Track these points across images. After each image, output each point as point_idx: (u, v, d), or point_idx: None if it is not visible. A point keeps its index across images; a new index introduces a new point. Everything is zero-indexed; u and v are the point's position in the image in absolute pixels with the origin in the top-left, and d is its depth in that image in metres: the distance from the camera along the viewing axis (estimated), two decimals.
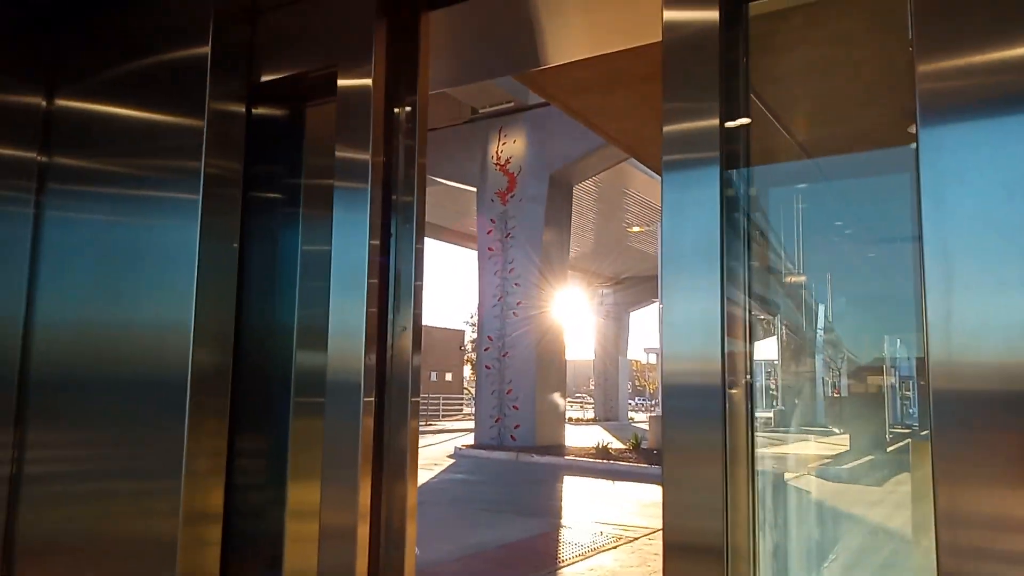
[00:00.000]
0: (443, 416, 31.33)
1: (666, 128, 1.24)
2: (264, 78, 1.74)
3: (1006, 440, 0.90)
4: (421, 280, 1.59)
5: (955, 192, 0.96)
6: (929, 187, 0.97)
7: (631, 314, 36.64)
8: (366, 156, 1.51)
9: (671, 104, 1.25)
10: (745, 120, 1.29)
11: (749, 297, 1.26)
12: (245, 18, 1.74)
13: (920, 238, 0.97)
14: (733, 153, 1.24)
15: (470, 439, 18.92)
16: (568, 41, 2.17)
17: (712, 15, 1.23)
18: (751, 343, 1.26)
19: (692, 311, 1.20)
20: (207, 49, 1.65)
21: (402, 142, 1.62)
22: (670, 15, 1.26)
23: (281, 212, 1.78)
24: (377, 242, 1.51)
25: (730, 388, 1.18)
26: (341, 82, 1.57)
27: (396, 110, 1.62)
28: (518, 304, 17.58)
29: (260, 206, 1.73)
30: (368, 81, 1.54)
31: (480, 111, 18.55)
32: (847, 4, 1.43)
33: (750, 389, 1.25)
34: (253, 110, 1.74)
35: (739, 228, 1.26)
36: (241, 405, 1.63)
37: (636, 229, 24.39)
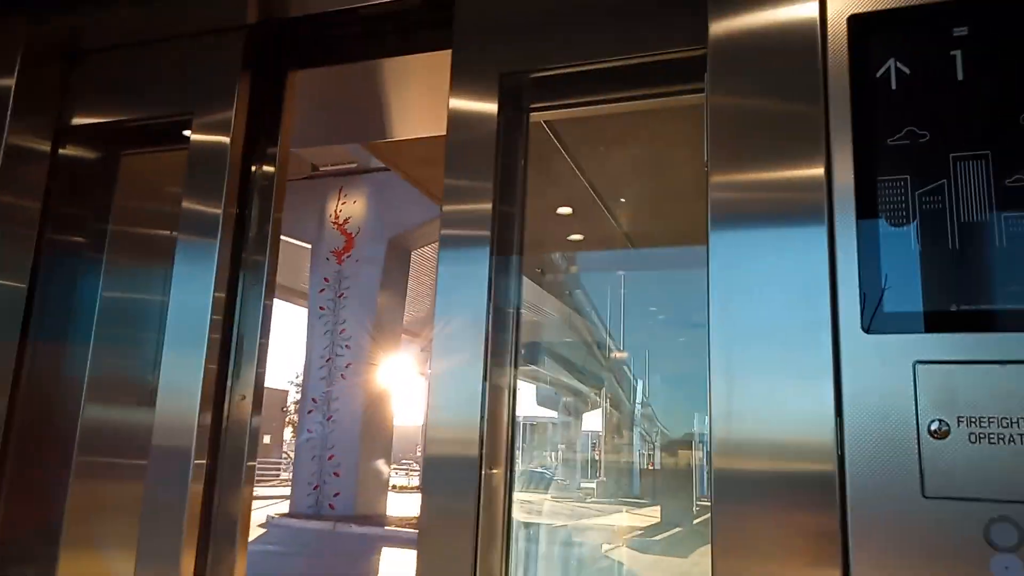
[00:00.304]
0: (258, 482, 29.34)
1: (445, 207, 1.33)
2: (80, 120, 1.66)
3: (777, 515, 1.01)
4: (267, 338, 1.55)
5: (738, 292, 1.09)
6: (716, 285, 1.10)
7: None
8: (217, 209, 1.48)
9: (450, 182, 1.36)
10: (517, 207, 1.42)
11: (516, 375, 1.34)
12: (60, 57, 1.67)
13: (708, 330, 1.09)
14: (505, 238, 1.36)
15: (285, 507, 17.80)
16: (413, 119, 2.26)
17: (491, 112, 1.36)
18: (514, 420, 1.33)
19: (456, 385, 1.25)
20: (11, 83, 1.56)
21: (258, 197, 1.60)
22: (455, 104, 1.37)
23: (85, 257, 1.69)
24: (222, 295, 1.47)
25: (489, 465, 1.24)
26: (196, 132, 1.54)
27: (254, 165, 1.61)
28: (347, 366, 17.07)
29: (60, 249, 1.64)
30: (226, 136, 1.52)
31: (321, 168, 18.26)
32: (625, 120, 1.62)
33: (511, 466, 1.31)
34: (60, 150, 1.65)
35: (510, 308, 1.36)
36: (13, 465, 1.47)
37: None
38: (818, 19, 1.12)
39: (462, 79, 1.38)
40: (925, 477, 0.95)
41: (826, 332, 1.03)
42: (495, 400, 1.26)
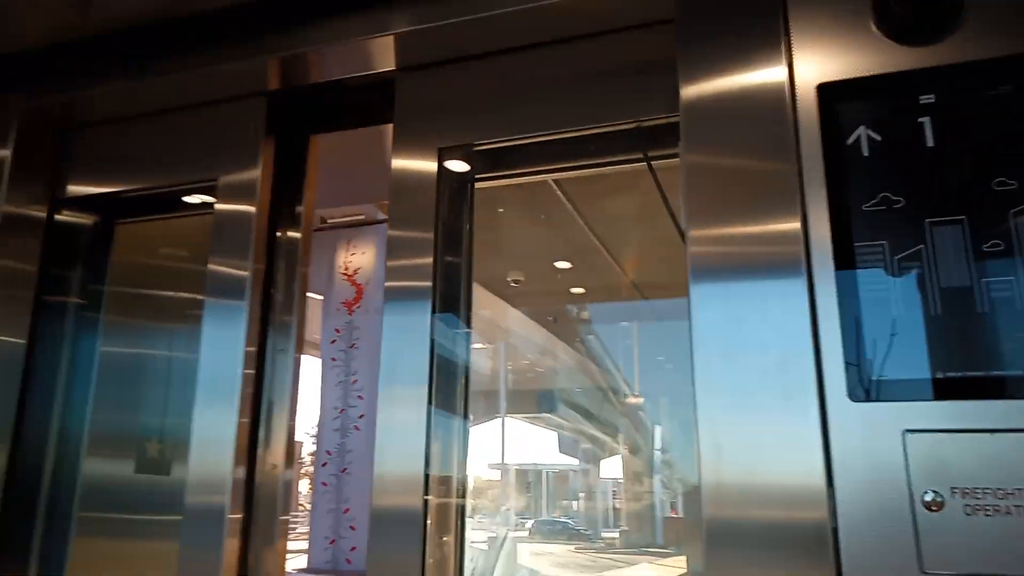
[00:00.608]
0: None
1: (389, 263, 1.38)
2: (78, 189, 1.73)
3: (769, 562, 0.99)
4: (296, 390, 1.58)
5: (720, 354, 1.07)
6: (699, 346, 1.09)
7: (471, 429, 36.37)
8: (245, 271, 1.53)
9: (394, 235, 1.42)
10: (464, 266, 1.46)
11: (465, 425, 1.34)
12: (56, 130, 1.75)
13: (693, 391, 1.07)
14: (449, 293, 1.38)
15: (302, 561, 17.56)
16: None
17: (430, 181, 1.39)
18: (465, 476, 1.32)
19: (399, 440, 1.25)
20: (7, 154, 1.67)
21: (284, 257, 1.66)
22: (397, 170, 1.41)
23: (82, 316, 1.77)
24: (253, 350, 1.51)
25: (437, 524, 1.22)
26: (221, 199, 1.59)
27: (279, 229, 1.66)
28: (360, 417, 16.97)
29: (58, 310, 1.71)
30: (252, 203, 1.57)
31: (329, 221, 18.46)
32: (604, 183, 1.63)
33: (462, 524, 1.30)
34: (56, 217, 1.71)
35: (457, 362, 1.36)
36: (13, 522, 1.48)
37: (478, 345, 24.67)
38: (787, 85, 1.13)
39: (402, 151, 1.43)
40: (922, 551, 0.92)
41: (812, 399, 1.02)
42: (443, 456, 1.26)
